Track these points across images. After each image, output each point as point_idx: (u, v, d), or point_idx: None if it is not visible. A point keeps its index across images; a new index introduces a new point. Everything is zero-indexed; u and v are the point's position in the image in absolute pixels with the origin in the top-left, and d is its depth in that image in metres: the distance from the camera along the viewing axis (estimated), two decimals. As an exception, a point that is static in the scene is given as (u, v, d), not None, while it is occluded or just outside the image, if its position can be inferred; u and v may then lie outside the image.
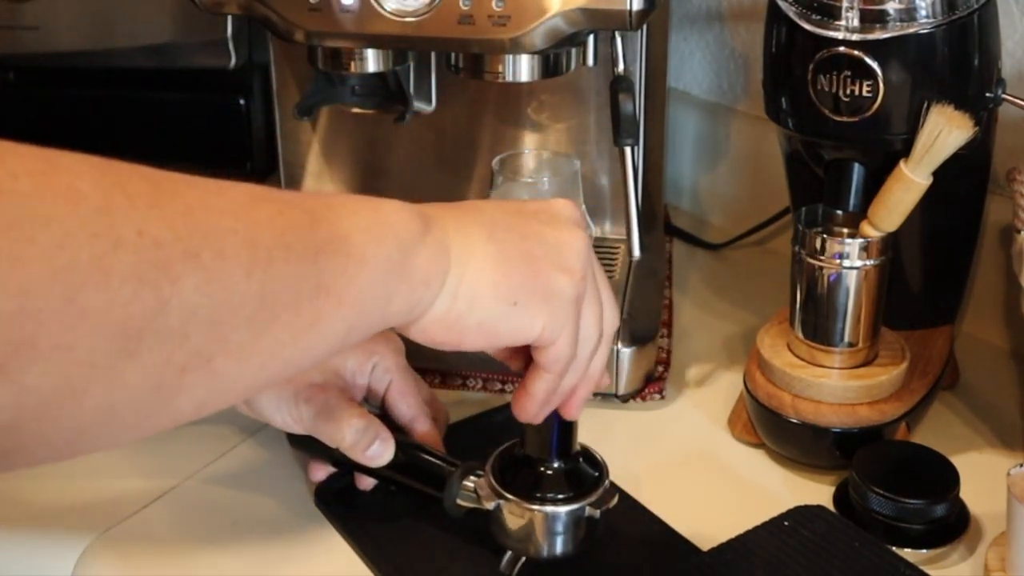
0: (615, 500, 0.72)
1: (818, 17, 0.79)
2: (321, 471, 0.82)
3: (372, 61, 0.93)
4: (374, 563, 0.75)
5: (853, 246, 0.81)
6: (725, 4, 1.19)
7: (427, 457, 0.78)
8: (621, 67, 0.89)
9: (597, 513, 0.71)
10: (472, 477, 0.74)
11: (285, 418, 0.77)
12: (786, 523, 0.73)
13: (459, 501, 0.74)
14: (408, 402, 0.82)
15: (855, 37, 0.77)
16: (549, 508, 0.70)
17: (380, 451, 0.77)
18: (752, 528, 0.72)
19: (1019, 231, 0.80)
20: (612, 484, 0.72)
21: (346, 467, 0.80)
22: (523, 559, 0.72)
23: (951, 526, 0.77)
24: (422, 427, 0.82)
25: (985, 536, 0.78)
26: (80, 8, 1.22)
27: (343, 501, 0.81)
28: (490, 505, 0.72)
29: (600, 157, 1.04)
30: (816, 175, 0.86)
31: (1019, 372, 0.98)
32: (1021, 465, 0.71)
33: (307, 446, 0.81)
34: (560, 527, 0.71)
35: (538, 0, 0.84)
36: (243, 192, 0.52)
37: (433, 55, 1.01)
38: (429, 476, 0.77)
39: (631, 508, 0.79)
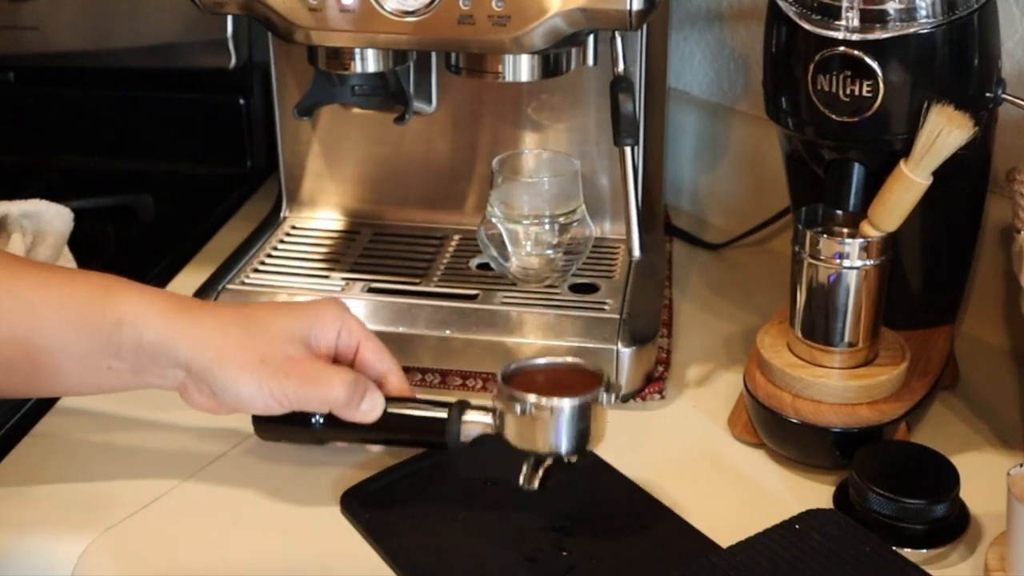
0: (619, 395, 0.79)
1: (818, 17, 0.79)
2: None
3: (372, 61, 0.93)
4: (402, 569, 0.76)
5: (853, 246, 0.81)
6: (725, 4, 1.19)
7: (413, 405, 0.80)
8: (621, 67, 0.89)
9: (612, 400, 0.77)
10: (469, 411, 0.79)
11: (267, 400, 0.76)
12: (797, 526, 0.73)
13: (462, 438, 0.78)
14: (380, 357, 0.82)
15: (855, 37, 0.77)
16: (568, 399, 0.76)
17: (372, 404, 0.78)
18: (763, 531, 0.72)
19: (1019, 231, 0.80)
20: (615, 382, 0.79)
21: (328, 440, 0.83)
22: (543, 464, 0.77)
23: (951, 526, 0.77)
24: (396, 379, 0.82)
25: (985, 536, 0.78)
26: (80, 8, 1.22)
27: (370, 507, 0.80)
28: (515, 410, 0.76)
29: (600, 157, 1.04)
30: (816, 175, 0.86)
31: (1019, 372, 0.98)
32: (1021, 465, 0.71)
33: (282, 432, 0.82)
34: (580, 415, 0.76)
35: (538, 0, 0.84)
36: None
37: (433, 55, 1.01)
38: (422, 423, 0.80)
39: (648, 502, 0.80)
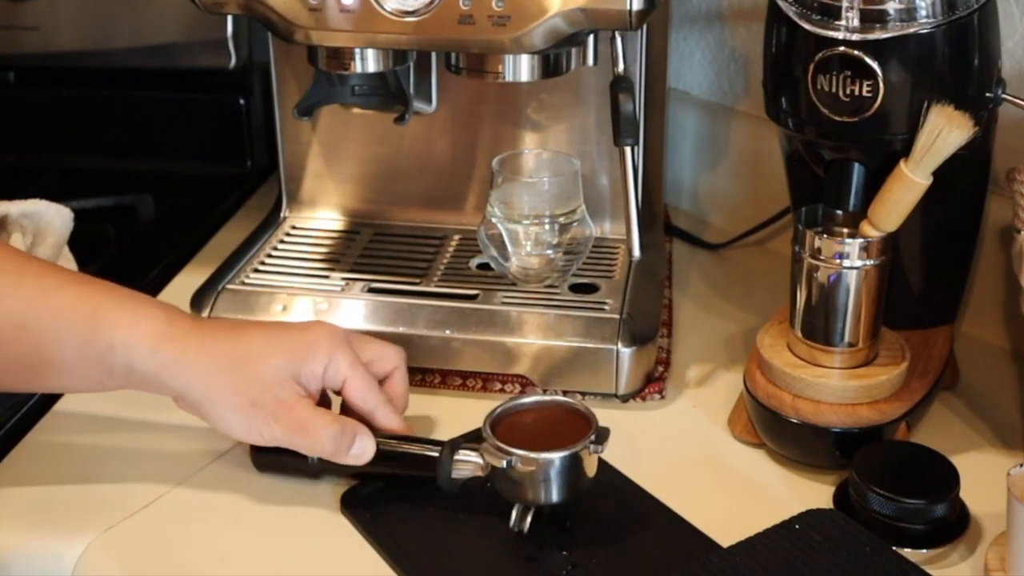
0: (607, 441, 0.77)
1: (818, 17, 0.79)
2: None
3: (372, 61, 0.93)
4: (403, 569, 0.76)
5: (853, 246, 0.81)
6: (725, 4, 1.19)
7: (405, 443, 0.81)
8: (621, 67, 0.89)
9: (601, 449, 0.76)
10: (460, 451, 0.78)
11: (256, 439, 0.79)
12: (796, 526, 0.73)
13: (453, 476, 0.78)
14: (365, 397, 0.82)
15: (855, 37, 0.77)
16: (556, 453, 0.75)
17: (362, 448, 0.79)
18: (763, 531, 0.72)
19: (1019, 231, 0.80)
20: (603, 427, 0.77)
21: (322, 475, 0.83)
22: (532, 510, 0.76)
23: (951, 526, 0.77)
24: (383, 417, 0.82)
25: (985, 536, 0.78)
26: (80, 8, 1.22)
27: (370, 507, 0.80)
28: (501, 463, 0.75)
29: (600, 157, 1.04)
30: (816, 175, 0.86)
31: (1019, 372, 0.98)
32: (1021, 465, 0.71)
33: (278, 466, 0.83)
34: (569, 467, 0.75)
35: (538, 0, 0.84)
36: None
37: (433, 55, 1.01)
38: (414, 460, 0.80)
39: (649, 502, 0.80)
